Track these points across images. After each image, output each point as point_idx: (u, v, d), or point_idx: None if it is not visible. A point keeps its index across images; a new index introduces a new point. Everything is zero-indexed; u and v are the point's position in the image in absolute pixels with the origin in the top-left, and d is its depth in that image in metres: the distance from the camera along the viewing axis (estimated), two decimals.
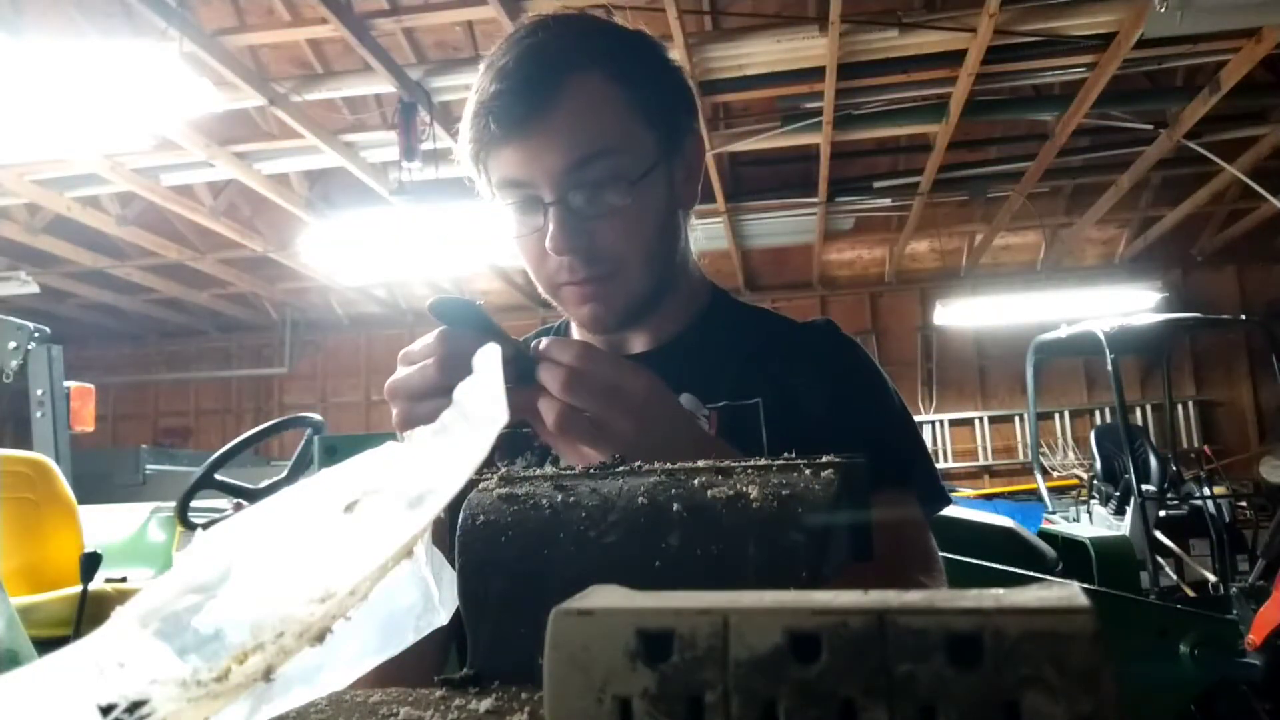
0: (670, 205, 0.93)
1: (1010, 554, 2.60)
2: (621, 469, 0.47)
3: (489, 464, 0.47)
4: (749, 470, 0.45)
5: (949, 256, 9.22)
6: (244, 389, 10.53)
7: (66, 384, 4.08)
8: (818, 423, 0.88)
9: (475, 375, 0.55)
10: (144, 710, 0.32)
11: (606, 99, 0.86)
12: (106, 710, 0.32)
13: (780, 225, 7.68)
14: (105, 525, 3.82)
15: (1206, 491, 5.21)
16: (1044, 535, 3.11)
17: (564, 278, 0.89)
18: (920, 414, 9.11)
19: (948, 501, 0.94)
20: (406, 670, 0.45)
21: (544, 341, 0.69)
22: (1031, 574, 2.49)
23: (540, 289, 0.94)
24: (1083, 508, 6.33)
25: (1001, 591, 0.25)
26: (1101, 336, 5.42)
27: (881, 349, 9.28)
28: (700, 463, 0.47)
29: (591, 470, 0.47)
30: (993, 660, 0.23)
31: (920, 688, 0.24)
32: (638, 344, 0.99)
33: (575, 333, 1.05)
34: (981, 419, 9.27)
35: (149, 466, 6.51)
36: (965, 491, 7.25)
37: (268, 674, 0.34)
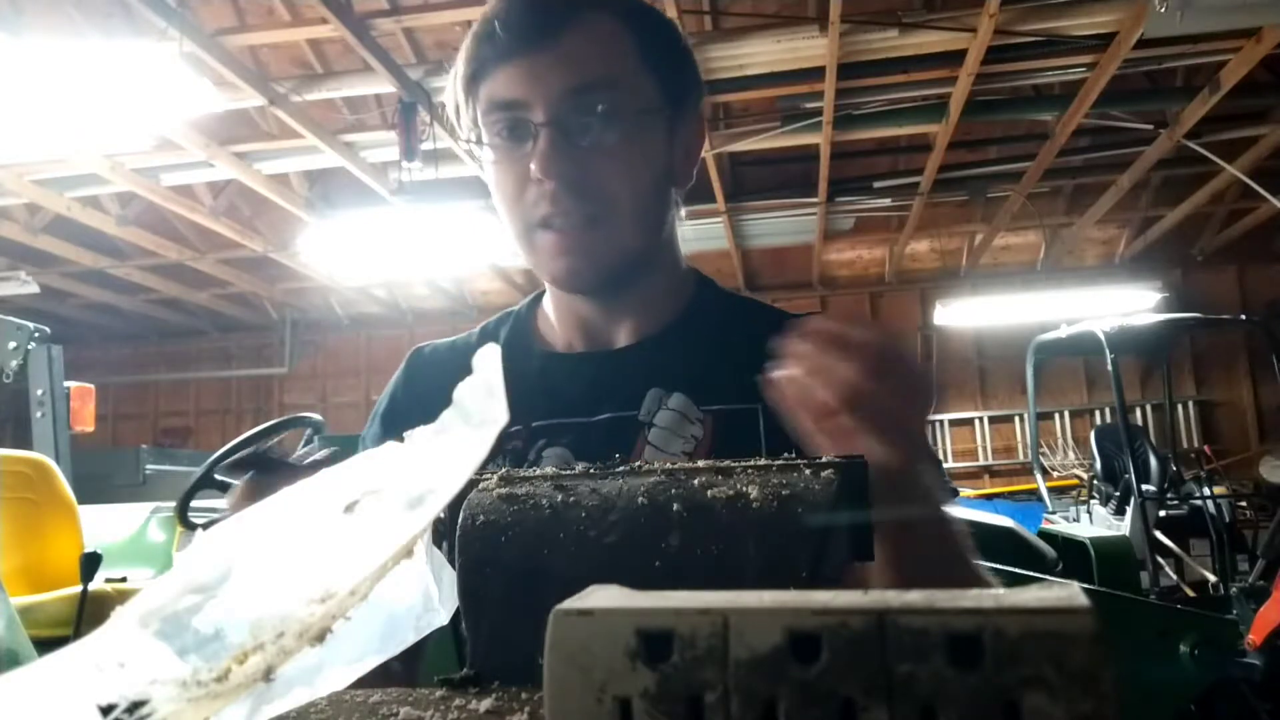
0: (667, 170, 0.90)
1: (1010, 554, 2.60)
2: (621, 469, 0.47)
3: (489, 463, 0.47)
4: (749, 470, 0.45)
5: (949, 256, 9.22)
6: (244, 389, 10.52)
7: (66, 384, 4.08)
8: None
9: (475, 375, 0.55)
10: (144, 710, 0.32)
11: (616, 35, 0.85)
12: (106, 710, 0.32)
13: (780, 225, 7.68)
14: (105, 525, 3.82)
15: (1206, 491, 5.20)
16: (1044, 535, 3.11)
17: (544, 209, 0.83)
18: None
19: (954, 493, 0.93)
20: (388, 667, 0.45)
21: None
22: (1031, 574, 2.48)
23: (513, 234, 0.88)
24: (1083, 508, 6.33)
25: (1001, 591, 0.25)
26: (1101, 336, 5.42)
27: None
28: (700, 463, 0.47)
29: (591, 470, 0.47)
30: (993, 660, 0.23)
31: (920, 688, 0.24)
32: (621, 335, 0.94)
33: (539, 322, 0.99)
34: (981, 419, 9.27)
35: (149, 466, 6.50)
36: (965, 491, 7.25)
37: (268, 674, 0.34)
